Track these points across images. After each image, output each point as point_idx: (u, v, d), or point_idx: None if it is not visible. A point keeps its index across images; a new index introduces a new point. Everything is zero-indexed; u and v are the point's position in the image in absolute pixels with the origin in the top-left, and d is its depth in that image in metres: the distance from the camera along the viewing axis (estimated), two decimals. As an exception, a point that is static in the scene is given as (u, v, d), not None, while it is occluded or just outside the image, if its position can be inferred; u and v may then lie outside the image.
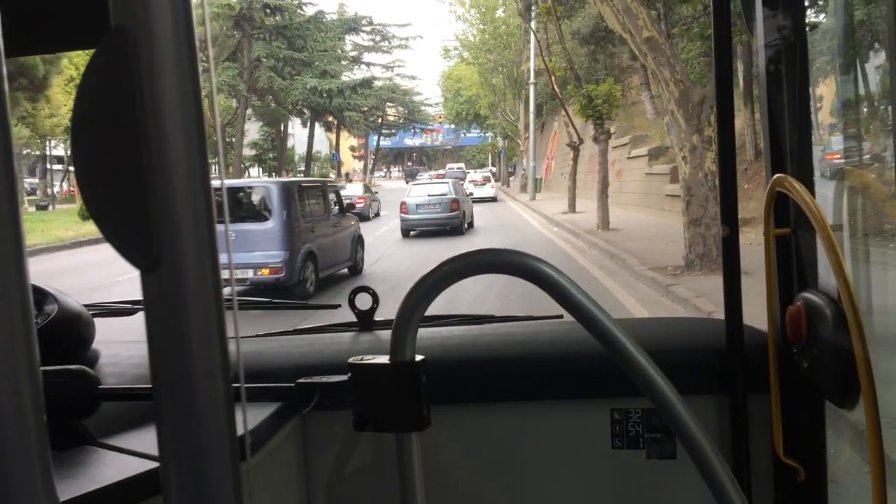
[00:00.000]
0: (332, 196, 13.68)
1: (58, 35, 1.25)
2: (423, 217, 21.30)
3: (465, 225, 22.16)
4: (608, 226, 18.22)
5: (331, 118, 56.45)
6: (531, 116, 36.53)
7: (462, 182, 28.82)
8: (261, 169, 67.03)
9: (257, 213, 11.84)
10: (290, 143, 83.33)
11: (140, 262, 0.51)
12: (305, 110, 51.90)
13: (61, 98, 31.10)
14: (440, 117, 76.02)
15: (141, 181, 0.50)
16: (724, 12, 1.55)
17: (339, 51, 53.17)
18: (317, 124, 57.83)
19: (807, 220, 1.30)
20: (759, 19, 1.53)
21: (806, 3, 1.58)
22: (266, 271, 11.33)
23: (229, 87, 40.91)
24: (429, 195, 21.87)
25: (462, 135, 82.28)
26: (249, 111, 48.23)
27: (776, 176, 1.42)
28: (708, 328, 1.77)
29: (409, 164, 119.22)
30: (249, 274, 11.36)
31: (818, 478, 1.51)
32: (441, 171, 62.82)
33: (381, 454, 1.63)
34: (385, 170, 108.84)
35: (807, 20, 1.55)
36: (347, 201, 18.06)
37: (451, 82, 67.06)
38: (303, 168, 77.54)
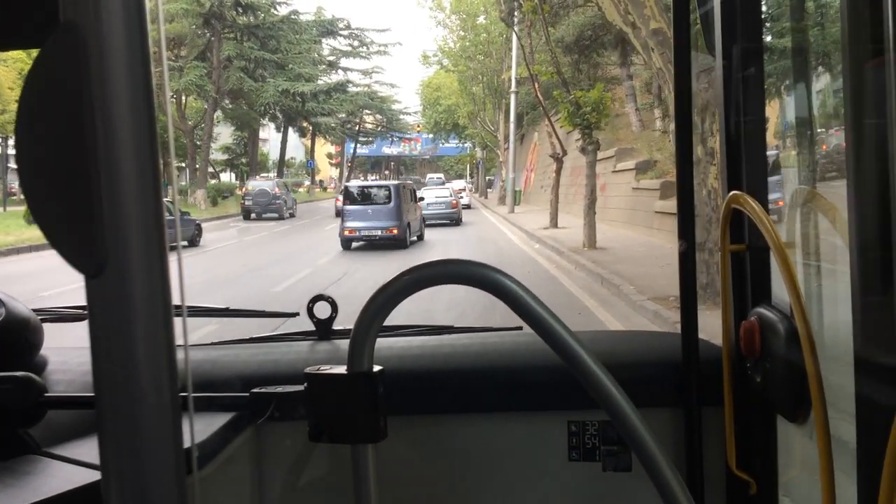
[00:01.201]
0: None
1: (2, 33, 1.15)
2: (433, 212, 28.61)
3: (461, 219, 30.66)
4: (595, 244, 16.78)
5: (305, 124, 54.62)
6: (511, 126, 35.14)
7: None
8: (233, 174, 65.11)
9: (383, 199, 20.91)
10: (265, 149, 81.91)
11: (84, 267, 0.50)
12: (278, 114, 49.79)
13: (11, 94, 29.21)
14: (419, 126, 74.88)
15: (87, 183, 0.49)
16: (685, 32, 1.59)
17: (316, 54, 51.37)
18: (291, 129, 56.06)
19: (761, 237, 1.33)
20: (718, 40, 1.54)
21: (763, 26, 1.59)
22: (389, 231, 20.25)
23: (196, 88, 38.93)
24: (436, 197, 30.36)
25: (440, 144, 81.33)
26: (220, 114, 46.32)
27: (731, 193, 1.46)
28: (665, 342, 1.78)
29: (387, 172, 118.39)
30: (379, 233, 20.23)
31: (769, 490, 1.52)
32: (421, 180, 61.58)
33: (337, 465, 1.58)
34: (362, 178, 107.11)
35: (764, 42, 1.58)
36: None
37: (430, 91, 66.22)
38: (275, 174, 76.02)
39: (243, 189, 38.05)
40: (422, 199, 25.52)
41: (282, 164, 55.42)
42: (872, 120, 0.98)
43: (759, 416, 1.52)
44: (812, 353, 1.15)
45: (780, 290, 1.41)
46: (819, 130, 1.93)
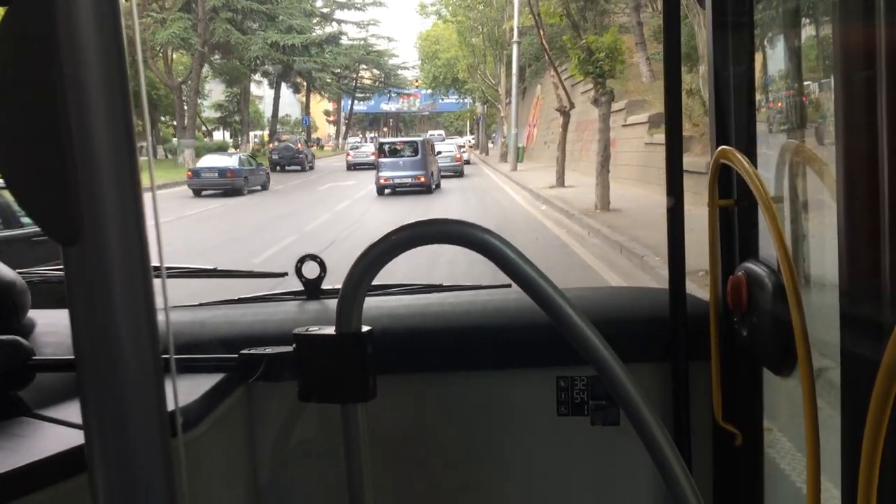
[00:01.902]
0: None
1: None
2: (440, 165, 29.82)
3: (463, 171, 34.14)
4: (608, 206, 15.27)
5: (299, 79, 52.47)
6: (514, 79, 33.10)
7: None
8: (227, 132, 63.11)
9: (411, 152, 24.73)
10: (261, 106, 79.63)
11: (60, 235, 0.50)
12: (270, 68, 47.26)
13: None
14: (417, 81, 72.81)
15: (60, 149, 0.48)
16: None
17: (308, 6, 48.77)
18: (284, 85, 53.92)
19: (749, 192, 1.33)
20: None
21: None
22: (417, 179, 24.16)
23: (181, 41, 36.45)
24: (440, 151, 31.53)
25: (439, 100, 79.39)
26: (208, 69, 44.16)
27: (720, 148, 1.45)
28: (652, 297, 1.79)
29: (385, 129, 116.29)
30: (409, 181, 24.22)
31: (755, 442, 1.54)
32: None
33: (328, 424, 1.57)
34: (361, 135, 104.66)
35: None
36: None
37: (428, 44, 64.08)
38: (267, 132, 73.70)
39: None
40: (439, 152, 29.65)
41: (275, 121, 52.93)
42: (860, 73, 0.97)
43: (745, 369, 1.53)
44: (798, 307, 1.15)
45: (767, 244, 1.40)
46: (806, 83, 1.84)
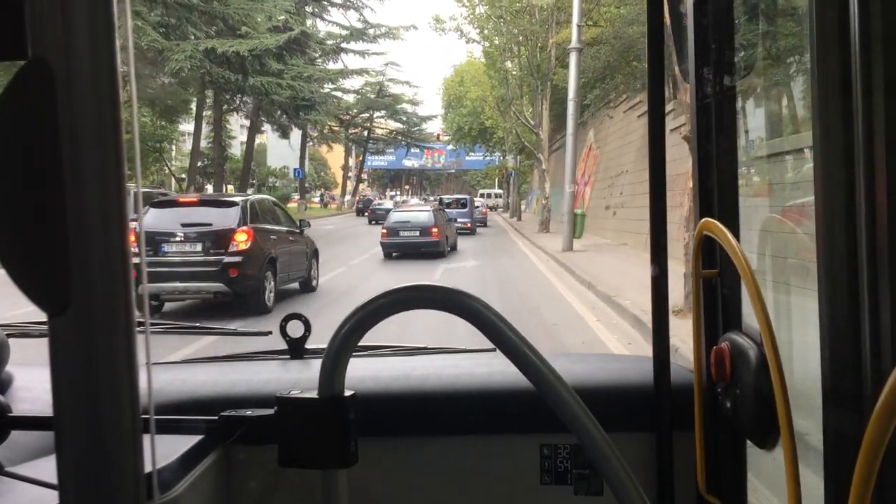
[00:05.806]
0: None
1: None
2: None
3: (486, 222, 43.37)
4: None
5: (286, 121, 41.23)
6: (570, 106, 20.89)
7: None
8: (211, 185, 52.28)
9: (461, 206, 36.01)
10: (269, 159, 69.12)
11: (48, 305, 0.50)
12: (207, 86, 33.22)
13: None
14: (441, 131, 62.80)
15: (54, 221, 0.49)
16: (659, 55, 1.59)
17: (298, 28, 37.37)
18: (270, 128, 42.86)
19: (732, 263, 1.36)
20: (692, 66, 1.57)
21: (736, 57, 1.59)
22: (465, 224, 33.54)
23: None
24: (477, 205, 42.17)
25: (464, 157, 69.46)
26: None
27: (703, 220, 1.47)
28: (637, 366, 1.79)
29: (407, 187, 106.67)
30: (459, 225, 30.41)
31: None
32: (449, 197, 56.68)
33: (309, 489, 1.53)
34: (380, 194, 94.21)
35: (737, 72, 1.59)
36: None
37: (453, 86, 54.27)
38: (271, 183, 62.84)
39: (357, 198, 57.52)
40: (477, 206, 40.82)
41: (247, 169, 40.51)
42: (839, 145, 0.99)
43: (729, 441, 1.52)
44: (780, 380, 1.15)
45: (751, 315, 1.41)
46: (787, 156, 1.83)
